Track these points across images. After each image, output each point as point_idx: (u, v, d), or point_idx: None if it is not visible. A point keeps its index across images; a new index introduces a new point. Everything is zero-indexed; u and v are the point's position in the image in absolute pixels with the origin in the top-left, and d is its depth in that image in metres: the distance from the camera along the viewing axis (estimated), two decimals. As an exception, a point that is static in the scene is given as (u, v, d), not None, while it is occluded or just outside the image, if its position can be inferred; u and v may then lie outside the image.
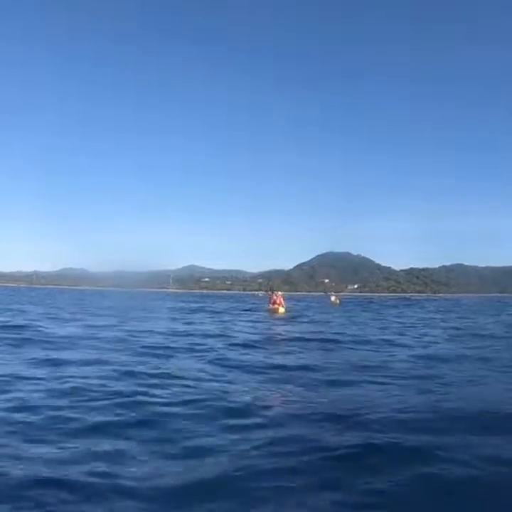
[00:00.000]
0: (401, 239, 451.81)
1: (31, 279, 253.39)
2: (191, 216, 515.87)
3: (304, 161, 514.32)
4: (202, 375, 9.32)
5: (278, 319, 30.22)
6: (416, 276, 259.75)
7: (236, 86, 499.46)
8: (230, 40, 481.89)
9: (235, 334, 18.20)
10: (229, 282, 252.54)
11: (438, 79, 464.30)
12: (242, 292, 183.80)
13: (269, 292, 40.12)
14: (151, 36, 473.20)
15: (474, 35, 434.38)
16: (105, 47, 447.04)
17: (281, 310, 35.87)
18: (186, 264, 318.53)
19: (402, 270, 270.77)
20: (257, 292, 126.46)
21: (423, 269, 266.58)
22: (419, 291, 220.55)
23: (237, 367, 10.53)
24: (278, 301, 36.81)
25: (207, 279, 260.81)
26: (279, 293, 38.62)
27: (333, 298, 45.58)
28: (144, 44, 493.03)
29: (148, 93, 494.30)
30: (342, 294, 55.92)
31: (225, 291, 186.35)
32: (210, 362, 11.07)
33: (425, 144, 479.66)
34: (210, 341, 15.44)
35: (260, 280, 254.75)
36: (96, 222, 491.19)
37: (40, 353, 11.55)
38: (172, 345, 14.06)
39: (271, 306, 36.88)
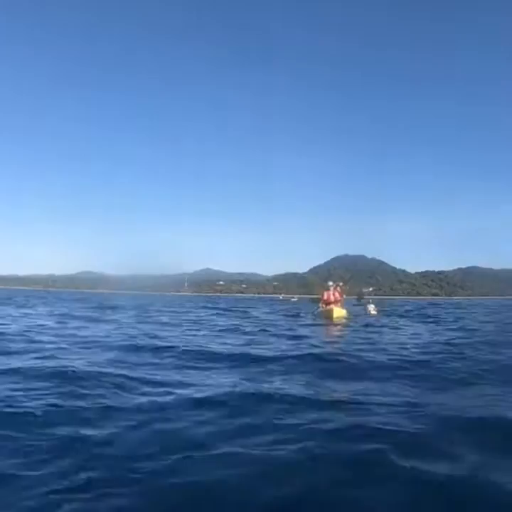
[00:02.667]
0: (416, 241, 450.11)
1: (48, 282, 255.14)
2: (205, 219, 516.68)
3: (317, 162, 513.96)
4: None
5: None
6: (431, 279, 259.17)
7: (242, 85, 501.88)
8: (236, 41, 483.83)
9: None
10: (244, 285, 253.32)
11: (446, 77, 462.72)
12: (257, 295, 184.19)
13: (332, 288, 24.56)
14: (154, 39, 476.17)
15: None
16: (102, 47, 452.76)
17: (340, 312, 22.25)
18: (201, 267, 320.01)
19: (417, 273, 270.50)
20: (277, 295, 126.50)
21: (438, 272, 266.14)
22: (434, 294, 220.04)
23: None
24: (333, 298, 23.87)
25: (222, 282, 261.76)
26: (340, 284, 25.13)
27: (371, 309, 31.09)
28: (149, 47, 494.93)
29: (159, 94, 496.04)
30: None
31: (240, 294, 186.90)
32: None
33: (441, 142, 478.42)
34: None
35: (275, 283, 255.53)
36: (111, 226, 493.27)
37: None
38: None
39: (324, 306, 23.82)
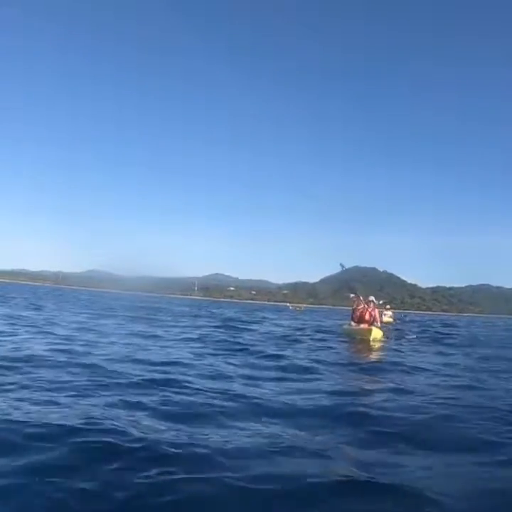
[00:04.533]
0: (428, 256, 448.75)
1: (57, 278, 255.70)
2: (217, 224, 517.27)
3: (329, 173, 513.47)
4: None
5: None
6: (442, 295, 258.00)
7: (259, 95, 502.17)
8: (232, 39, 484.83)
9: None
10: (254, 292, 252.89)
11: (464, 90, 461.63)
12: (267, 303, 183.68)
13: (355, 298, 21.29)
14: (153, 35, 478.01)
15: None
16: (106, 45, 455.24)
17: (378, 333, 18.63)
18: (211, 272, 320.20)
19: (428, 288, 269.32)
20: (287, 304, 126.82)
21: (449, 288, 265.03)
22: (444, 310, 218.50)
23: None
24: (368, 315, 20.14)
25: (232, 288, 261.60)
26: (371, 299, 21.05)
27: (388, 315, 27.89)
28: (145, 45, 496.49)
29: (170, 98, 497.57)
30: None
31: (250, 301, 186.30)
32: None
33: (454, 158, 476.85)
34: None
35: (285, 291, 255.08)
36: (123, 226, 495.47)
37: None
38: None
39: (354, 324, 20.29)
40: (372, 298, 20.99)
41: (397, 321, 32.19)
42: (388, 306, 32.85)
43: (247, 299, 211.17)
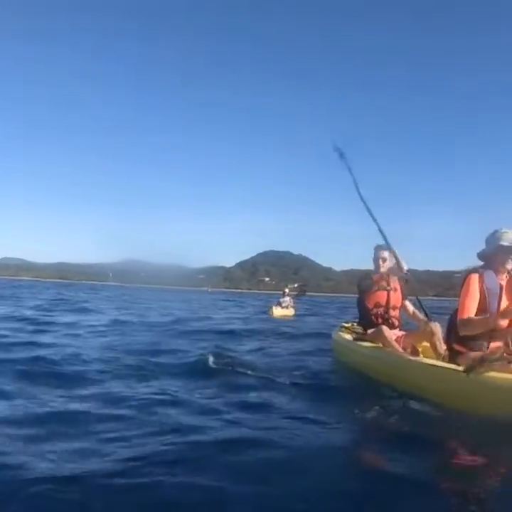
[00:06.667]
0: (341, 240, 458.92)
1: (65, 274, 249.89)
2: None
3: (250, 156, 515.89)
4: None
5: None
6: (355, 277, 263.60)
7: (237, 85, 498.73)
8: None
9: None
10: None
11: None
12: (183, 288, 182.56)
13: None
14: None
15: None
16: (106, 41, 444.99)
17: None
18: (124, 258, 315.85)
19: (342, 271, 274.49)
20: (205, 288, 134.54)
21: (365, 270, 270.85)
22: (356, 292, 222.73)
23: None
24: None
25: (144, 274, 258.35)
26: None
27: (281, 306, 23.17)
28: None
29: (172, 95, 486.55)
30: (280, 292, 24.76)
31: (166, 286, 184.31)
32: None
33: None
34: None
35: (202, 276, 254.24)
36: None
37: None
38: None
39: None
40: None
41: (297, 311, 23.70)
42: (287, 291, 24.78)
43: (163, 285, 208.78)
